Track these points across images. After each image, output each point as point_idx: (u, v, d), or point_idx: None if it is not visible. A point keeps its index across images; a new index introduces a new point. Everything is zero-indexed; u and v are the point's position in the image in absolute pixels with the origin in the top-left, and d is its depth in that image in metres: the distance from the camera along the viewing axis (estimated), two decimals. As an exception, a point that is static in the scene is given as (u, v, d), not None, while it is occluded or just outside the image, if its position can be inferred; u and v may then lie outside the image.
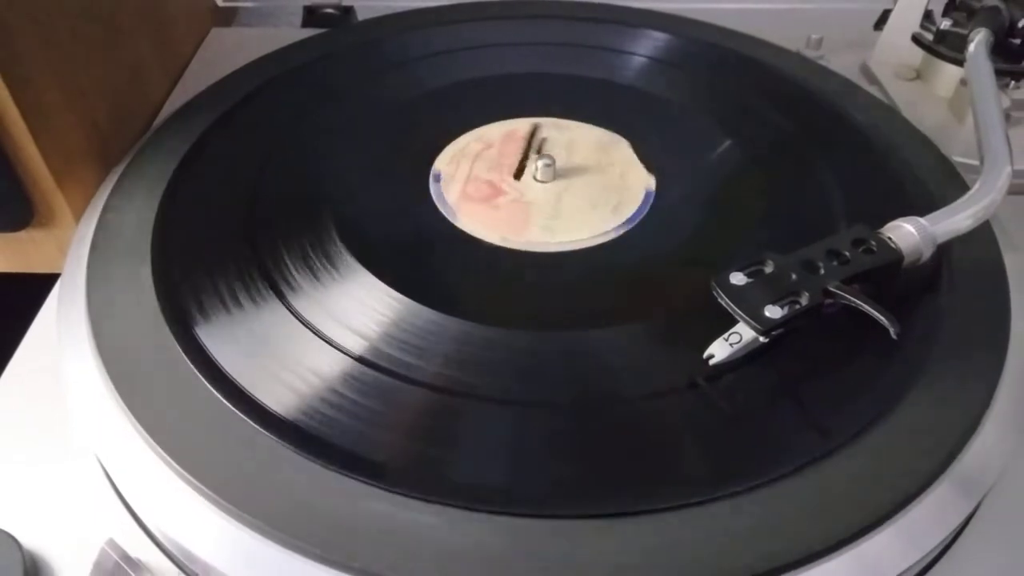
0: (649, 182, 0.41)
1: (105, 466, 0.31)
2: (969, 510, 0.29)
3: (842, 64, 0.52)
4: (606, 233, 0.38)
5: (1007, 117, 0.46)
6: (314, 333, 0.32)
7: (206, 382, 0.30)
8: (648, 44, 0.51)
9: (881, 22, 0.58)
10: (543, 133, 0.44)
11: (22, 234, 0.40)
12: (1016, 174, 0.38)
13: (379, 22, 0.55)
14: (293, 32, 0.58)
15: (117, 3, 0.46)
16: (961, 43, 0.46)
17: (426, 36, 0.51)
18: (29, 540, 0.29)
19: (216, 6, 0.62)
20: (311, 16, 0.62)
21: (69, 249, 0.38)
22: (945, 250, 0.35)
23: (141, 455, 0.29)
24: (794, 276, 0.31)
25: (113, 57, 0.45)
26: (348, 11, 0.62)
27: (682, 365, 0.31)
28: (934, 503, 0.28)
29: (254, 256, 0.36)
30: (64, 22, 0.40)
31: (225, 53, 0.55)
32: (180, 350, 0.32)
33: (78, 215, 0.40)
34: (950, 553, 0.30)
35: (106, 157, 0.43)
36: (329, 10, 0.62)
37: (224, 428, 0.29)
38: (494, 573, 0.26)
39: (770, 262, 0.31)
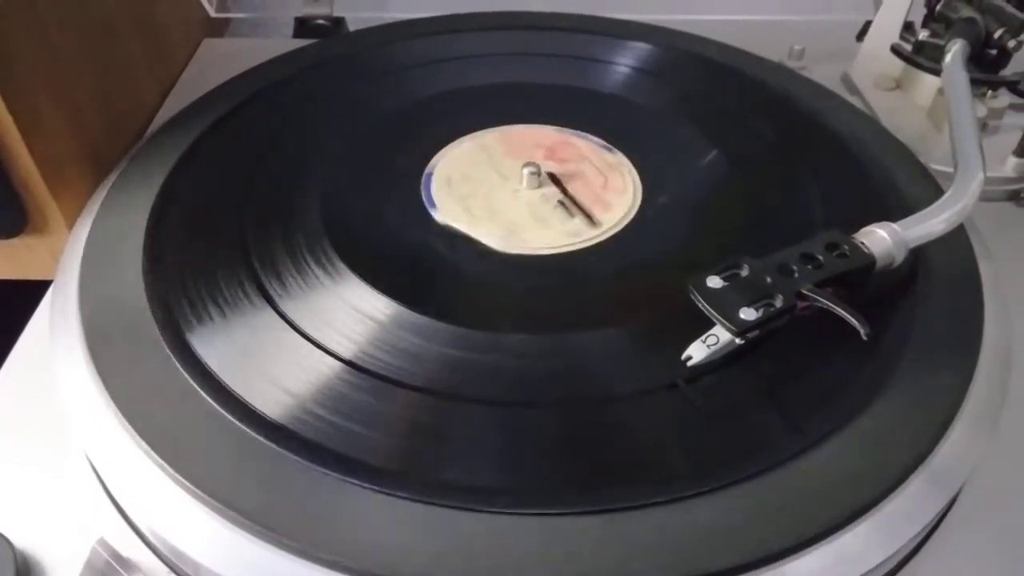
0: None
1: (96, 467, 0.31)
2: (942, 505, 0.30)
3: (824, 74, 0.53)
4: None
5: (984, 126, 0.47)
6: (303, 337, 0.33)
7: (196, 385, 0.31)
8: (633, 55, 0.52)
9: (863, 33, 0.59)
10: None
11: (15, 241, 0.41)
12: (989, 181, 0.39)
13: (370, 33, 0.55)
14: (285, 43, 0.59)
15: (110, 12, 0.46)
16: (939, 54, 0.47)
17: (417, 46, 0.52)
18: (21, 540, 0.29)
19: (209, 17, 0.62)
20: (302, 27, 0.63)
21: (62, 256, 0.39)
22: (922, 256, 0.36)
23: (131, 456, 0.30)
24: (769, 279, 0.31)
25: (107, 66, 0.45)
26: (339, 22, 0.63)
27: (661, 367, 0.31)
28: (908, 498, 0.29)
29: (245, 263, 0.37)
30: (57, 30, 0.40)
31: (217, 63, 0.56)
32: (171, 354, 0.32)
33: (71, 222, 0.41)
34: (926, 547, 0.30)
35: (99, 165, 0.44)
36: (320, 21, 0.63)
37: (213, 430, 0.30)
38: (482, 571, 0.26)
39: (746, 266, 0.32)
